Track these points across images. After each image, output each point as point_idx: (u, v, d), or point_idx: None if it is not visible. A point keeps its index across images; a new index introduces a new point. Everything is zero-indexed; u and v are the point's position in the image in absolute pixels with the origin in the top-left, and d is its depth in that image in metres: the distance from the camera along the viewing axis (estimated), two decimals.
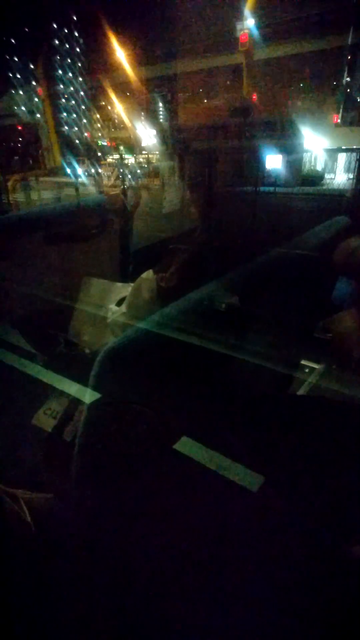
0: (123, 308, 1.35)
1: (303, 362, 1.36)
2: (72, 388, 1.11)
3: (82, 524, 0.88)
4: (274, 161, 17.52)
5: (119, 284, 1.48)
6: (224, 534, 0.75)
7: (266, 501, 0.76)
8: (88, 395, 0.99)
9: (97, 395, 0.98)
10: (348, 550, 0.64)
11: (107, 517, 0.86)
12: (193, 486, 0.85)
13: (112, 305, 1.42)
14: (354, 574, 0.64)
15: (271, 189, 14.95)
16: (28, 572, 0.85)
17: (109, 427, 0.95)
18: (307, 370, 1.35)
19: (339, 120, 20.35)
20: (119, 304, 1.39)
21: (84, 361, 0.95)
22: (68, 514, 0.91)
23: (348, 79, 20.96)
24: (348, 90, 21.01)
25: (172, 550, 0.79)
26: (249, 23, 19.71)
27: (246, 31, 19.50)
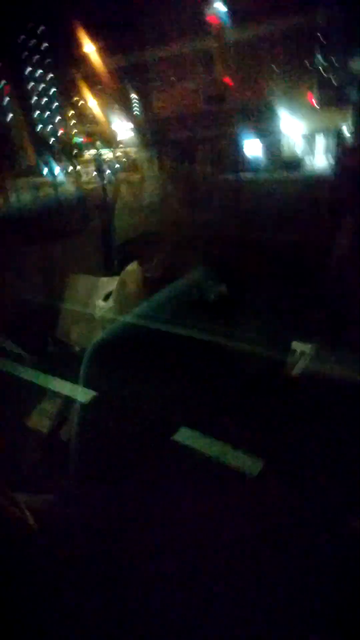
0: (110, 302, 1.34)
1: (294, 345, 1.37)
2: (64, 387, 1.10)
3: (84, 522, 0.88)
4: (253, 147, 17.46)
5: (105, 279, 1.47)
6: (227, 520, 0.75)
7: (267, 484, 0.77)
8: (81, 394, 0.98)
9: (90, 393, 0.98)
10: (349, 524, 0.65)
11: (109, 513, 0.86)
12: (194, 475, 0.85)
13: (100, 301, 1.40)
14: (355, 548, 0.65)
15: (252, 175, 14.91)
16: (31, 574, 0.85)
17: (105, 425, 0.94)
18: (298, 353, 1.37)
19: (314, 102, 20.31)
20: (106, 299, 1.38)
21: (74, 359, 0.95)
22: (70, 513, 0.91)
23: (322, 59, 20.88)
24: (322, 71, 20.95)
25: (175, 542, 0.79)
26: (217, 6, 19.50)
27: (215, 14, 19.28)
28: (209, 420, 0.93)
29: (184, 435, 0.90)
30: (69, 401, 1.10)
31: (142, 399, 1.00)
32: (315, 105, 20.13)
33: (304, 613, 0.66)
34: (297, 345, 1.33)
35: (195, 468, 0.88)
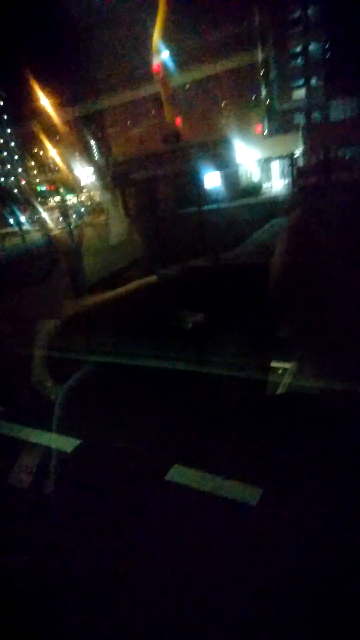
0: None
1: (274, 364, 1.36)
2: (43, 438, 1.05)
3: (71, 581, 0.81)
4: (212, 179, 18.09)
5: None
6: (228, 554, 0.71)
7: (268, 511, 0.73)
8: (62, 442, 0.93)
9: (71, 440, 0.93)
10: (349, 545, 0.62)
11: (99, 569, 0.80)
12: (191, 513, 0.80)
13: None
14: (354, 569, 0.61)
15: (215, 206, 15.37)
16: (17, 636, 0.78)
17: (88, 473, 0.89)
18: (280, 372, 1.35)
19: (264, 131, 21.40)
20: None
21: (51, 408, 0.90)
22: (59, 572, 0.84)
23: (265, 92, 22.20)
24: (267, 102, 22.22)
25: (174, 588, 0.74)
26: (163, 55, 20.66)
27: (159, 62, 20.39)
28: (201, 454, 0.90)
29: (177, 474, 0.87)
30: (49, 452, 1.05)
31: (125, 441, 0.95)
32: (266, 133, 21.22)
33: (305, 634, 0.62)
34: (277, 364, 1.32)
35: (192, 504, 0.84)
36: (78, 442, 0.98)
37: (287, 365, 1.41)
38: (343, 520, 0.68)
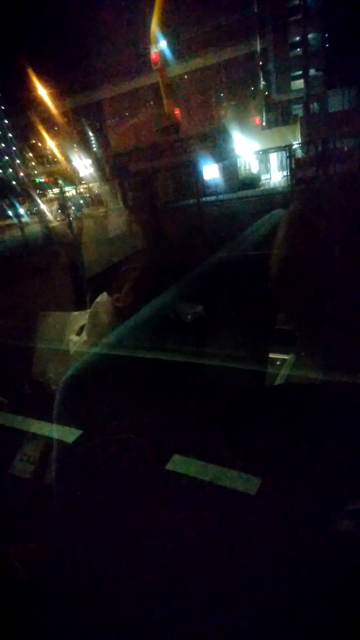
0: (84, 336, 1.31)
1: (272, 355, 1.37)
2: (44, 429, 1.06)
3: (78, 568, 0.83)
4: (211, 171, 17.98)
5: (76, 313, 1.45)
6: (227, 541, 0.73)
7: (266, 500, 0.75)
8: (64, 433, 0.95)
9: (72, 430, 0.94)
10: (337, 524, 0.63)
11: (101, 556, 0.81)
12: (192, 502, 0.82)
13: (73, 336, 1.38)
14: (345, 549, 0.63)
15: (213, 198, 15.30)
16: (23, 625, 0.80)
17: (89, 463, 0.91)
18: (278, 363, 1.36)
19: (263, 123, 21.22)
20: (79, 333, 1.36)
21: (52, 399, 0.91)
22: (62, 560, 0.86)
23: (264, 82, 21.98)
24: (266, 93, 22.01)
25: (174, 581, 0.76)
26: (161, 45, 20.41)
27: (157, 51, 20.15)
28: (200, 444, 0.91)
29: (177, 463, 0.88)
30: (51, 442, 1.06)
31: (126, 431, 0.97)
32: (264, 125, 21.04)
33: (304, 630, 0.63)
34: (276, 355, 1.33)
35: (193, 494, 0.85)
36: (79, 432, 1.00)
37: (285, 356, 1.42)
38: (340, 509, 0.69)
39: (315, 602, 0.63)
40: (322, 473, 0.75)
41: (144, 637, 0.77)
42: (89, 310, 1.38)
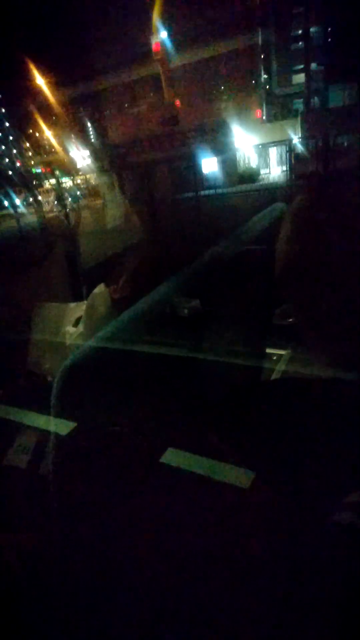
0: (81, 328, 1.31)
1: (269, 350, 1.37)
2: (39, 420, 1.05)
3: (71, 558, 0.83)
4: (210, 164, 17.89)
5: (73, 304, 1.44)
6: (222, 536, 0.72)
7: (260, 494, 0.75)
8: (58, 424, 0.94)
9: (67, 423, 0.94)
10: (334, 517, 0.63)
11: (96, 547, 0.81)
12: (185, 496, 0.82)
13: (69, 327, 1.37)
14: (346, 542, 0.63)
15: (212, 191, 15.25)
16: (16, 615, 0.80)
17: (84, 454, 0.90)
18: (274, 358, 1.36)
19: (263, 116, 21.09)
20: (75, 324, 1.35)
21: (48, 391, 0.91)
22: (54, 550, 0.86)
23: (265, 76, 21.81)
24: (267, 86, 21.85)
25: (169, 574, 0.76)
26: (162, 35, 20.19)
27: (158, 42, 19.92)
28: (195, 438, 0.91)
29: (171, 456, 0.88)
30: (46, 434, 1.06)
31: (121, 424, 0.96)
32: (265, 118, 20.91)
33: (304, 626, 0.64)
34: (273, 350, 1.33)
35: (187, 487, 0.85)
36: (74, 424, 0.99)
37: (282, 351, 1.42)
38: (336, 502, 0.69)
39: (312, 595, 0.63)
40: (316, 468, 0.75)
41: (139, 627, 0.77)
42: (85, 302, 1.37)
